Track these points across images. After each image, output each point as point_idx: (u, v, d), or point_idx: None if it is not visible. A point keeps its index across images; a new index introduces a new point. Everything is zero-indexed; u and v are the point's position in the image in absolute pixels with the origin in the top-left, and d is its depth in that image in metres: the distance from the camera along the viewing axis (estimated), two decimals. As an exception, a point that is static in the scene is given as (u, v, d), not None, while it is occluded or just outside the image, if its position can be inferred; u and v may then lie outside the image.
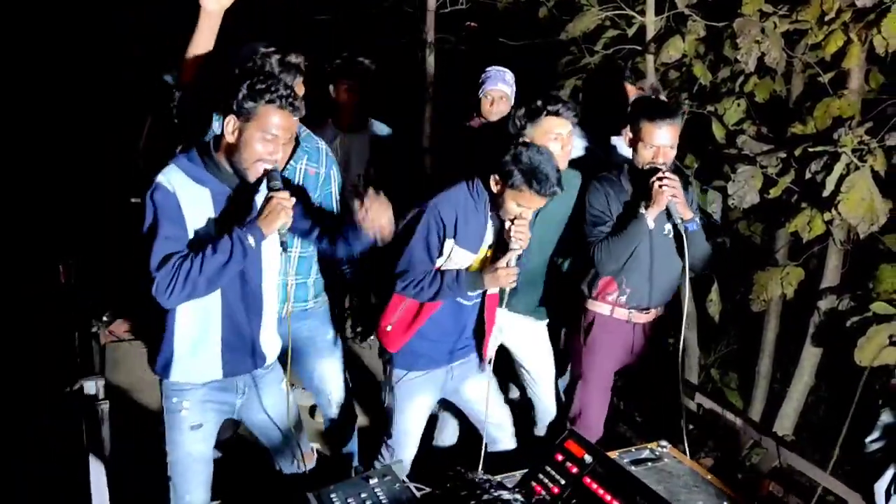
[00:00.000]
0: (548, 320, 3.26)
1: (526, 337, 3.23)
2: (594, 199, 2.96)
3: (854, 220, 3.32)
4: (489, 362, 2.93)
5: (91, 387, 3.16)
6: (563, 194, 2.68)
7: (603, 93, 3.74)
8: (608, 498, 2.21)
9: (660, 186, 2.77)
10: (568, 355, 3.32)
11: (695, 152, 4.14)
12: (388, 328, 2.82)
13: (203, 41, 2.51)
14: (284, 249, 2.30)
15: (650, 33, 3.95)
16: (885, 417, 2.72)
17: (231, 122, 2.22)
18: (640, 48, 4.04)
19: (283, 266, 2.68)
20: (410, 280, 2.69)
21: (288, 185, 2.38)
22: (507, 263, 2.66)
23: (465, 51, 5.50)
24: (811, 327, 3.97)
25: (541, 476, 2.35)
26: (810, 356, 4.07)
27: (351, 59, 3.65)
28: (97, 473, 2.59)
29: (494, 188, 2.64)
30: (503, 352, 3.27)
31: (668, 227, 2.97)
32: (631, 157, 2.98)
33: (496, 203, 2.67)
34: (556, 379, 3.36)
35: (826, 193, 3.34)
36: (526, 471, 2.42)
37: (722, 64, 3.99)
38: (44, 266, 4.88)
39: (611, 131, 3.42)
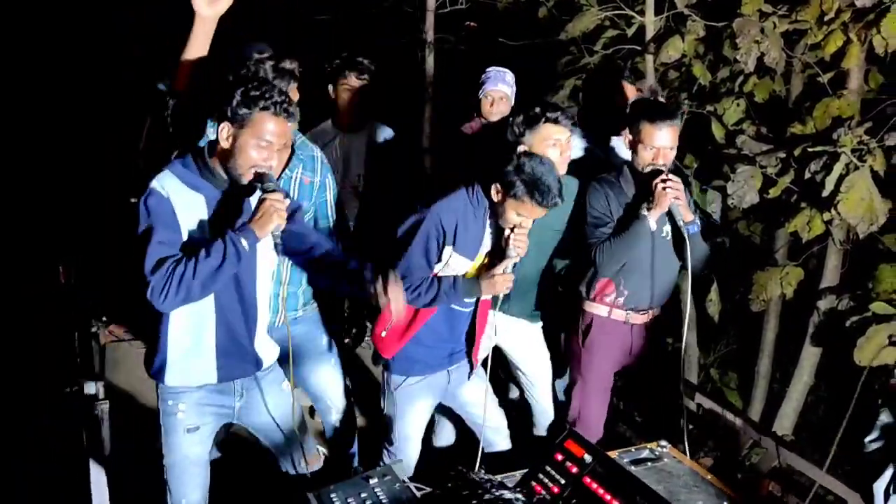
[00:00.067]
0: (542, 323, 3.27)
1: (521, 339, 3.23)
2: (595, 200, 2.96)
3: (853, 220, 3.32)
4: (483, 365, 2.93)
5: (91, 387, 3.15)
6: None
7: (602, 93, 3.74)
8: (608, 498, 2.22)
9: (663, 189, 2.78)
10: (567, 357, 3.32)
11: (694, 152, 4.14)
12: (383, 334, 2.82)
13: (198, 47, 2.50)
14: (278, 252, 2.30)
15: (650, 33, 3.95)
16: (885, 417, 2.73)
17: (225, 128, 2.22)
18: (639, 48, 4.04)
19: (277, 275, 2.67)
20: (408, 286, 2.69)
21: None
22: (503, 270, 2.68)
23: (464, 51, 5.49)
24: (811, 327, 3.97)
25: (541, 476, 2.36)
26: (810, 356, 4.07)
27: (351, 59, 3.65)
28: (97, 473, 2.59)
29: (495, 197, 2.65)
30: (500, 354, 3.27)
31: (667, 228, 2.98)
32: (630, 158, 2.99)
33: (496, 211, 2.68)
34: (555, 381, 3.37)
35: (825, 193, 3.35)
36: (526, 471, 2.42)
37: (721, 64, 4.00)
38: (44, 266, 4.88)
39: (610, 132, 3.42)
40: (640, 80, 3.96)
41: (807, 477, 2.91)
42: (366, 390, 3.61)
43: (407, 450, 2.92)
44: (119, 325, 3.93)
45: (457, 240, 2.69)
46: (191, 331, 2.36)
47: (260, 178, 2.23)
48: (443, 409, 3.25)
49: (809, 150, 3.43)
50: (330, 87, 3.71)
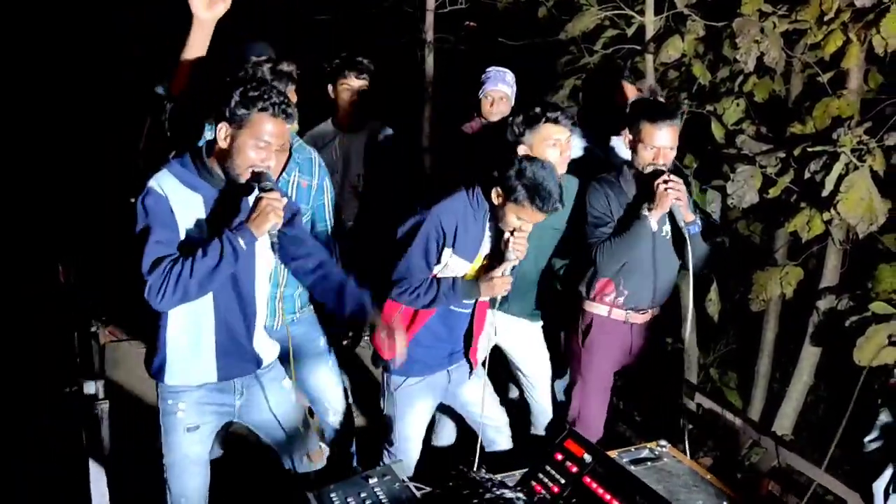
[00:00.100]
0: (542, 322, 3.27)
1: (521, 339, 3.23)
2: (595, 200, 2.96)
3: (853, 220, 3.32)
4: (482, 365, 2.93)
5: (91, 387, 3.15)
6: None
7: (602, 92, 3.74)
8: (608, 497, 2.22)
9: (665, 190, 2.78)
10: (567, 357, 3.32)
11: (694, 152, 4.14)
12: (383, 335, 2.82)
13: (196, 50, 2.50)
14: (275, 251, 2.30)
15: (649, 33, 3.96)
16: (884, 417, 2.73)
17: (223, 128, 2.22)
18: (639, 48, 4.04)
19: (273, 277, 2.68)
20: (407, 287, 2.70)
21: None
22: (502, 273, 2.68)
23: (464, 50, 5.49)
24: (810, 327, 3.97)
25: (541, 475, 2.36)
26: (809, 356, 4.07)
27: (351, 59, 3.65)
28: (97, 473, 2.59)
29: (496, 200, 2.65)
30: (500, 353, 3.27)
31: (667, 227, 2.98)
32: (630, 158, 2.99)
33: (496, 214, 2.69)
34: (555, 381, 3.37)
35: (825, 193, 3.35)
36: (526, 470, 2.42)
37: (721, 64, 3.99)
38: (44, 266, 4.88)
39: (610, 131, 3.42)
40: (639, 79, 3.96)
41: (806, 476, 2.90)
42: (365, 391, 3.61)
43: (407, 450, 2.93)
44: (119, 324, 3.93)
45: (456, 242, 2.70)
46: (190, 330, 2.36)
47: (257, 177, 2.23)
48: (443, 409, 3.26)
49: (809, 149, 3.43)
50: (329, 87, 3.71)
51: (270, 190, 2.22)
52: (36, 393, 4.17)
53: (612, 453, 2.56)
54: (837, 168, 3.31)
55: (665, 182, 2.79)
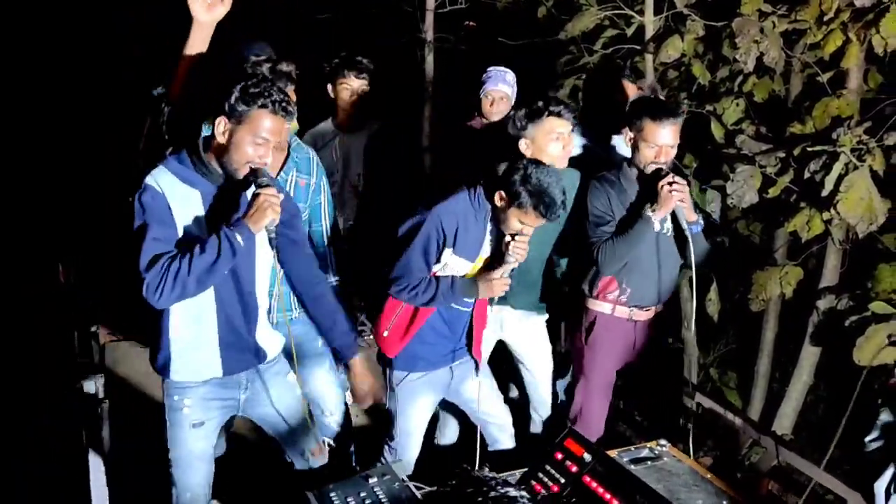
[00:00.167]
0: (547, 315, 3.27)
1: (526, 332, 3.24)
2: (596, 199, 2.96)
3: (853, 220, 3.32)
4: (486, 363, 2.93)
5: (91, 386, 3.16)
6: None
7: (602, 92, 3.74)
8: (608, 497, 2.22)
9: (669, 191, 2.77)
10: (568, 356, 3.32)
11: (694, 152, 4.13)
12: (385, 333, 2.83)
13: (195, 52, 2.51)
14: (273, 247, 2.30)
15: (649, 33, 3.95)
16: (885, 417, 2.73)
17: (222, 123, 2.22)
18: (639, 48, 4.04)
19: (273, 275, 2.68)
20: (405, 285, 2.71)
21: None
22: (501, 275, 2.69)
23: (464, 50, 5.49)
24: (810, 327, 3.97)
25: (540, 475, 2.37)
26: (809, 355, 4.07)
27: (350, 59, 3.65)
28: (97, 473, 2.60)
29: (499, 203, 2.65)
30: (502, 351, 3.27)
31: (668, 225, 2.97)
32: (630, 155, 2.99)
33: (498, 217, 2.69)
34: (557, 380, 3.37)
35: (825, 193, 3.34)
36: (525, 469, 2.42)
37: (721, 63, 3.99)
38: (44, 266, 4.88)
39: (611, 130, 3.42)
40: (639, 79, 3.96)
41: (806, 476, 2.91)
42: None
43: (408, 445, 2.93)
44: (118, 324, 3.94)
45: (457, 242, 2.70)
46: (192, 325, 2.36)
47: (254, 173, 2.23)
48: (447, 408, 3.26)
49: (809, 149, 3.43)
50: (329, 87, 3.71)
51: (267, 186, 2.22)
52: (36, 393, 4.17)
53: (612, 452, 2.56)
54: (837, 168, 3.31)
55: (670, 184, 2.79)
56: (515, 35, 4.53)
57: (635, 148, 2.93)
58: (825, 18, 3.49)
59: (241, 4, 2.55)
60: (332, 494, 2.29)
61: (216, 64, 2.56)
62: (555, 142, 2.85)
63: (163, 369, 2.41)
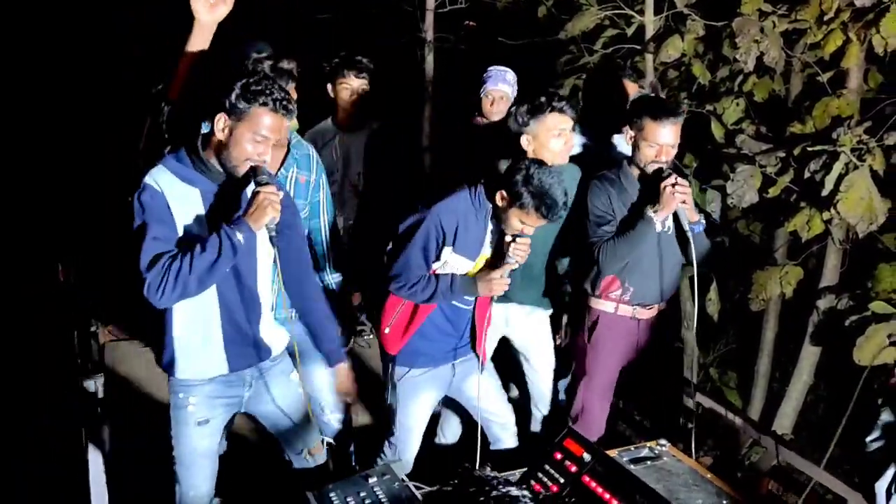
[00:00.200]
0: (552, 310, 3.27)
1: (530, 327, 3.24)
2: (596, 199, 2.95)
3: (853, 220, 3.32)
4: (490, 360, 2.94)
5: (91, 386, 3.16)
6: None
7: (602, 92, 3.74)
8: (607, 496, 2.22)
9: (672, 193, 2.77)
10: (569, 355, 3.32)
11: (694, 151, 4.14)
12: (387, 330, 2.83)
13: (195, 52, 2.51)
14: (273, 244, 2.30)
15: (649, 32, 3.96)
16: (885, 416, 2.72)
17: (222, 119, 2.22)
18: (639, 47, 4.04)
19: (274, 271, 2.68)
20: (404, 283, 2.71)
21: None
22: (501, 276, 2.68)
23: (464, 50, 5.50)
24: (810, 326, 3.97)
25: (540, 475, 2.36)
26: (809, 355, 4.07)
27: (350, 59, 3.65)
28: (97, 473, 2.60)
29: (500, 202, 2.65)
30: (504, 349, 3.27)
31: (670, 223, 2.97)
32: (631, 154, 2.98)
33: (499, 217, 2.69)
34: (558, 380, 3.37)
35: (825, 193, 3.35)
36: (525, 469, 2.42)
37: (721, 63, 4.00)
38: (44, 266, 4.88)
39: (611, 130, 3.42)
40: (640, 79, 3.96)
41: (806, 476, 2.90)
42: (364, 390, 3.61)
43: (408, 441, 2.93)
44: (118, 324, 3.93)
45: (457, 241, 2.70)
46: (196, 324, 2.37)
47: (254, 170, 2.23)
48: (449, 406, 3.26)
49: (809, 149, 3.43)
50: (329, 87, 3.71)
51: (267, 184, 2.22)
52: (36, 393, 4.18)
53: (612, 452, 2.56)
54: (837, 168, 3.31)
55: (672, 185, 2.78)
56: (515, 35, 4.53)
57: (636, 147, 2.92)
58: (825, 18, 3.49)
59: (241, 4, 2.55)
60: (331, 494, 2.29)
61: (217, 63, 2.56)
62: (556, 138, 2.84)
63: (168, 367, 2.42)
